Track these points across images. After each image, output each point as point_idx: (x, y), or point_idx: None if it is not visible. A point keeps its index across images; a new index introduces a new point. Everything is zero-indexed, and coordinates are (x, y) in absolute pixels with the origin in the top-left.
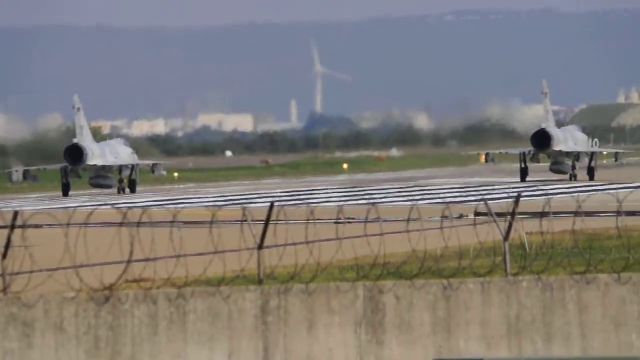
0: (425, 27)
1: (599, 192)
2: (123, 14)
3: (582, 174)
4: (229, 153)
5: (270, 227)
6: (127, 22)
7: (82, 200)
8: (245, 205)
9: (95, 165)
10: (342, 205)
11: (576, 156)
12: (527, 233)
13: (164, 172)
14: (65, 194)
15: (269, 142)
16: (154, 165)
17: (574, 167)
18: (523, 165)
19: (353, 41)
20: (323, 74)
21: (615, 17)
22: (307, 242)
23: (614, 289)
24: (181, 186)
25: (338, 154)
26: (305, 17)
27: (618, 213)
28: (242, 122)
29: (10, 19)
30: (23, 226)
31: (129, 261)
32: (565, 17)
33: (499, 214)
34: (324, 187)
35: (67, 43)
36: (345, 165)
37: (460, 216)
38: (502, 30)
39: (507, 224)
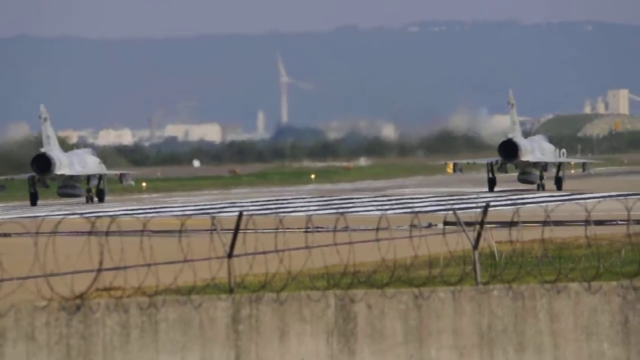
0: (391, 37)
1: (568, 202)
2: (90, 25)
3: (550, 184)
4: (196, 163)
5: (240, 236)
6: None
7: (50, 209)
8: (214, 214)
9: (63, 174)
10: (311, 214)
11: (544, 166)
12: (496, 242)
13: (132, 182)
14: (34, 203)
15: (237, 152)
16: (122, 175)
17: (541, 178)
18: (491, 176)
19: (319, 52)
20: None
21: (581, 29)
22: (277, 251)
23: (585, 298)
24: (150, 195)
25: (306, 164)
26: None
27: (587, 222)
28: (210, 132)
29: None
30: None
31: (99, 270)
32: (531, 28)
33: (468, 224)
34: (292, 197)
35: (33, 53)
36: (312, 176)
37: (429, 225)
38: (468, 40)
39: (476, 233)
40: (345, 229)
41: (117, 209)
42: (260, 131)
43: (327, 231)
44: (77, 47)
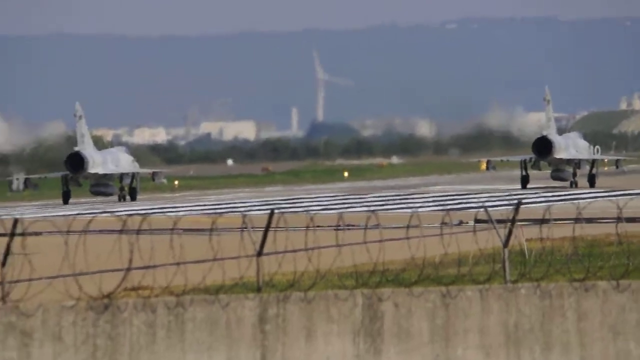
0: (428, 35)
1: (600, 199)
2: (125, 23)
3: (583, 181)
4: (230, 162)
5: (270, 235)
6: (129, 30)
7: (82, 208)
8: (245, 212)
9: (96, 173)
10: (342, 212)
11: (577, 164)
12: (526, 240)
13: (165, 180)
14: (66, 202)
15: (271, 150)
16: (154, 173)
17: (575, 175)
18: (524, 173)
19: (355, 49)
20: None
21: (619, 24)
22: (307, 250)
23: (613, 296)
24: (182, 194)
25: (339, 162)
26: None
27: (618, 220)
28: (244, 130)
29: (13, 27)
30: (23, 234)
31: (128, 269)
32: (567, 25)
33: (499, 221)
34: (323, 195)
35: (69, 51)
36: (346, 173)
37: (460, 223)
38: (504, 38)
39: (506, 230)
40: (376, 226)
41: (148, 207)
42: (294, 129)
43: (358, 229)
44: (113, 45)
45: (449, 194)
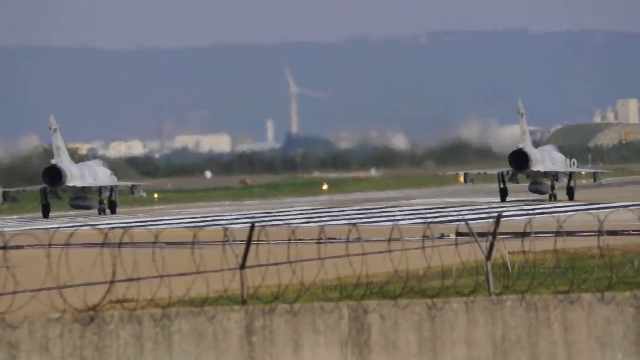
0: (401, 48)
1: (580, 212)
2: (100, 36)
3: (561, 194)
4: (209, 174)
5: (253, 248)
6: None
7: (63, 221)
8: (226, 226)
9: (74, 186)
10: (324, 225)
11: (555, 176)
12: (509, 253)
13: (144, 194)
14: (46, 215)
15: (248, 163)
16: (133, 186)
17: (553, 188)
18: (502, 186)
19: (329, 62)
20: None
21: (591, 38)
22: (290, 262)
23: (599, 308)
24: (161, 207)
25: (317, 175)
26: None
27: (600, 233)
28: (220, 143)
29: None
30: (5, 247)
31: (112, 282)
32: (539, 38)
33: (481, 234)
34: (304, 208)
35: (44, 64)
36: (325, 186)
37: (442, 236)
38: (477, 51)
39: (489, 244)
40: (358, 239)
41: (129, 220)
42: (270, 141)
43: (340, 242)
44: (86, 58)
45: (429, 207)
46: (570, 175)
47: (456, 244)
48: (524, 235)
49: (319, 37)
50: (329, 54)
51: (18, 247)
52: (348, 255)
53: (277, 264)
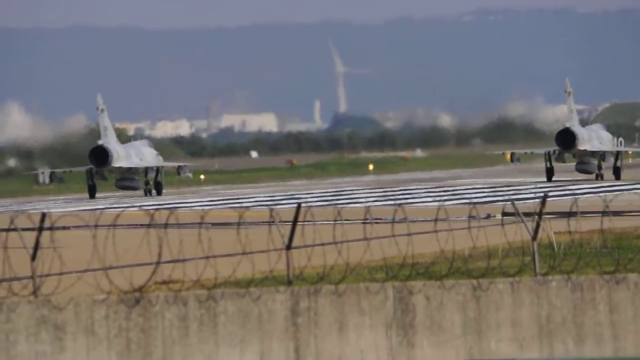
0: (446, 27)
1: (626, 191)
2: (146, 15)
3: (608, 173)
4: (254, 154)
5: (298, 228)
6: (150, 23)
7: (109, 202)
8: (272, 206)
9: (120, 167)
10: (370, 206)
11: (602, 156)
12: (555, 233)
13: (190, 174)
14: (92, 196)
15: (294, 142)
16: (179, 167)
17: (600, 167)
18: (549, 165)
19: (374, 41)
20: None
21: (637, 16)
22: (335, 243)
23: None
24: (207, 188)
25: (363, 154)
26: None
27: None
28: (266, 123)
29: (34, 21)
30: (51, 228)
31: (157, 263)
32: (587, 16)
33: (527, 214)
34: (351, 188)
35: (89, 44)
36: (370, 166)
37: (488, 216)
38: (524, 29)
39: (534, 224)
40: (404, 220)
41: (175, 201)
42: (317, 121)
43: (386, 222)
44: (133, 38)
45: (475, 187)
46: (617, 154)
47: (502, 224)
48: (569, 215)
49: (364, 16)
50: (374, 33)
51: (64, 228)
52: (393, 236)
53: (322, 245)
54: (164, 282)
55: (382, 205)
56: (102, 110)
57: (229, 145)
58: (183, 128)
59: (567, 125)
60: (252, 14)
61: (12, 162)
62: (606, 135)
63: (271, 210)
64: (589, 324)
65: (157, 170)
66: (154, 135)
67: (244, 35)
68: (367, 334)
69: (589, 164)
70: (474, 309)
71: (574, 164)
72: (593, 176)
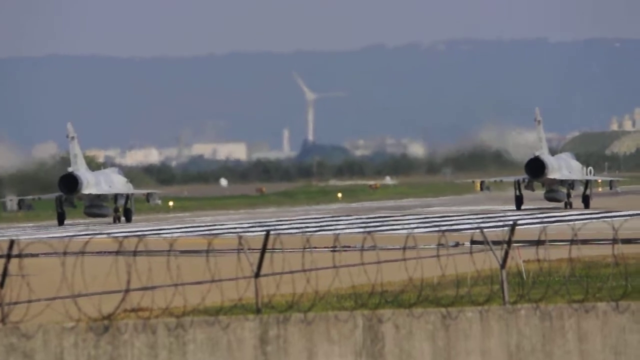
0: (418, 55)
1: (595, 220)
2: (116, 44)
3: (577, 202)
4: (224, 181)
5: (267, 256)
6: (120, 52)
7: (77, 229)
8: (241, 234)
9: (90, 194)
10: (339, 233)
11: (571, 184)
12: (524, 261)
13: (159, 201)
14: (61, 223)
15: (263, 171)
16: (149, 194)
17: (569, 195)
18: (518, 193)
19: (345, 69)
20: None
21: (607, 46)
22: (304, 271)
23: (613, 317)
24: (175, 215)
25: (332, 182)
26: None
27: (614, 241)
28: (236, 151)
29: (3, 49)
30: (19, 255)
31: (126, 290)
32: (556, 46)
33: (495, 242)
34: (318, 216)
35: (60, 72)
36: (339, 194)
37: (457, 244)
38: (495, 58)
39: (503, 252)
40: (373, 247)
41: (144, 228)
42: (285, 149)
43: (355, 250)
44: (103, 66)
45: (444, 215)
46: (586, 183)
47: (471, 252)
48: (538, 243)
49: (336, 46)
50: (346, 62)
51: (33, 255)
52: (363, 264)
53: (291, 272)
54: (133, 310)
55: (351, 232)
56: (73, 138)
57: (199, 173)
58: (153, 156)
59: (537, 154)
60: (222, 43)
61: None
62: (575, 164)
63: (240, 237)
64: (558, 352)
65: (127, 197)
66: (124, 163)
67: (214, 64)
68: None
69: (558, 192)
70: (443, 338)
71: (543, 192)
72: (562, 204)
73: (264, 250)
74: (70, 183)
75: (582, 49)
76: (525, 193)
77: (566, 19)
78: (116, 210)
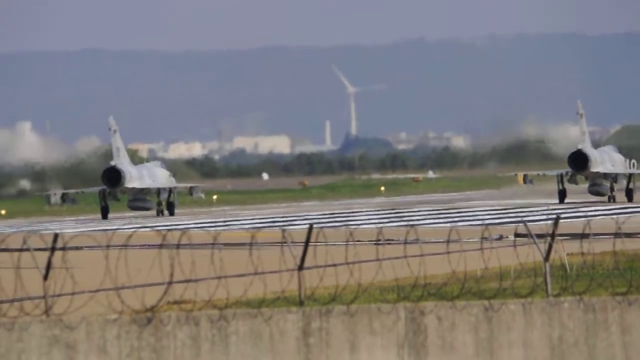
0: (459, 49)
1: (638, 213)
2: (161, 38)
3: (620, 195)
4: (265, 176)
5: (310, 249)
6: (164, 45)
7: (121, 222)
8: (284, 227)
9: (133, 188)
10: (382, 227)
11: (614, 178)
12: (567, 254)
13: (202, 195)
14: (105, 216)
15: (306, 164)
16: (192, 188)
17: (612, 189)
18: (561, 187)
19: (387, 62)
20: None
21: None
22: (347, 264)
23: None
24: (221, 208)
25: (375, 176)
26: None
27: None
28: (279, 144)
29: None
30: (64, 248)
31: (169, 283)
32: (597, 39)
33: (539, 236)
34: (362, 210)
35: (103, 66)
36: (382, 188)
37: (500, 237)
38: (536, 52)
39: (547, 245)
40: (416, 241)
41: (187, 222)
42: (328, 142)
43: (398, 243)
44: (146, 60)
45: (487, 208)
46: (630, 177)
47: (514, 245)
48: (582, 236)
49: (376, 39)
50: (386, 55)
51: (77, 248)
52: (406, 257)
53: (334, 265)
54: (176, 302)
55: (394, 226)
56: (115, 131)
57: (241, 167)
58: (196, 149)
59: (580, 147)
60: (267, 36)
61: (24, 183)
62: (618, 157)
63: (283, 231)
64: (601, 345)
65: (170, 191)
66: (167, 156)
67: (258, 57)
68: (378, 354)
69: (601, 185)
70: (485, 330)
71: (587, 185)
72: (605, 198)
73: (307, 243)
74: (113, 177)
75: (623, 42)
76: (569, 187)
77: (606, 12)
78: (159, 203)
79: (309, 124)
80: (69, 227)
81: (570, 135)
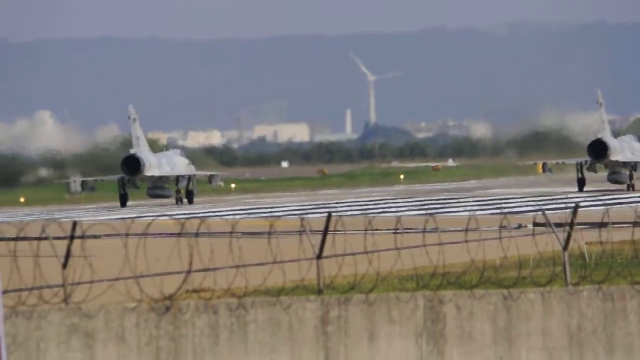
0: (479, 37)
1: None
2: (178, 27)
3: (639, 184)
4: (285, 164)
5: (329, 238)
6: (182, 34)
7: (140, 210)
8: (303, 215)
9: (152, 176)
10: (400, 215)
11: (634, 166)
12: (586, 243)
13: (222, 183)
14: (123, 204)
15: (325, 152)
16: (211, 176)
17: (631, 177)
18: (580, 176)
19: (407, 52)
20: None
21: None
22: (366, 252)
23: None
24: (239, 196)
25: (394, 164)
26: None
27: None
28: (298, 132)
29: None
30: (82, 237)
31: (188, 271)
32: (617, 28)
33: (558, 225)
34: (381, 198)
35: (123, 55)
36: (401, 176)
37: (519, 226)
38: (556, 41)
39: (565, 234)
40: (435, 229)
41: (206, 210)
42: (347, 131)
43: (417, 232)
44: (165, 48)
45: (506, 196)
46: None
47: (533, 234)
48: (601, 225)
49: (396, 27)
50: (406, 43)
51: (95, 237)
52: (424, 245)
53: (353, 254)
54: (194, 291)
55: (413, 215)
56: (135, 120)
57: (260, 155)
58: (215, 138)
59: (599, 136)
60: (286, 25)
61: (44, 171)
62: (638, 146)
63: (302, 219)
64: (620, 334)
65: (189, 179)
66: (186, 145)
67: (277, 46)
68: (397, 343)
69: (620, 174)
70: (504, 319)
71: (606, 174)
72: (625, 186)
73: (325, 231)
74: (132, 165)
75: None
76: (588, 175)
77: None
78: (178, 191)
79: (328, 112)
80: (88, 215)
81: (590, 124)
